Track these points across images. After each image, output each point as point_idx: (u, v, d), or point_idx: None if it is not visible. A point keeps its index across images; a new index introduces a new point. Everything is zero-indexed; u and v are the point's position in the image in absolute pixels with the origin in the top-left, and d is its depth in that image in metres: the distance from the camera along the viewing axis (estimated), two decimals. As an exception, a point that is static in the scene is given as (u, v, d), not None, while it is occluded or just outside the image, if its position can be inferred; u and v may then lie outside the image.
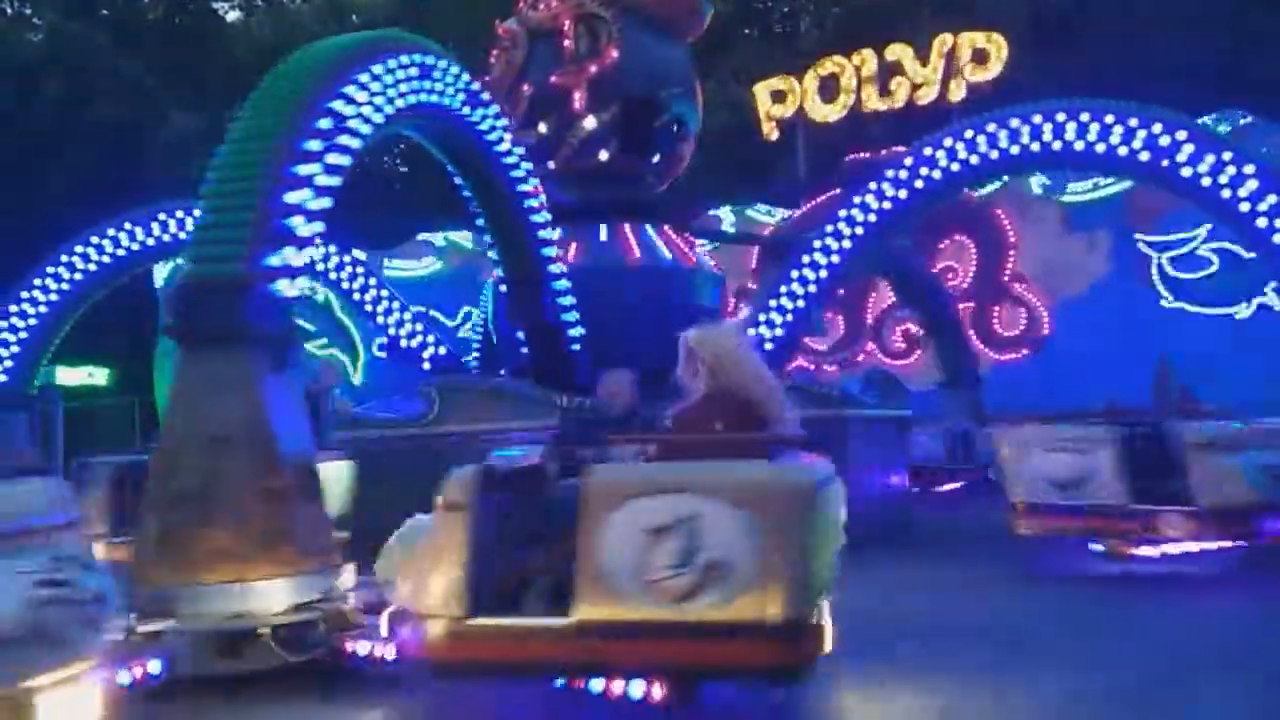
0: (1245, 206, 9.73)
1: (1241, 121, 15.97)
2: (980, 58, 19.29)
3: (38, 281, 11.91)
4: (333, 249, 12.56)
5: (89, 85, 25.85)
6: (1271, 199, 9.54)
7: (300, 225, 6.03)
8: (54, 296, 11.81)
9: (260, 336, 5.71)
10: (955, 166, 10.75)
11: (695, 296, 11.90)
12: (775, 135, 21.14)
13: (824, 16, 29.53)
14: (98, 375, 23.76)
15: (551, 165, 12.09)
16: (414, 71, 7.53)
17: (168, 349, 19.81)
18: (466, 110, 8.62)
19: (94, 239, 11.99)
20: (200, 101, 27.41)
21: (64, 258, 12.04)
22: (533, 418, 9.33)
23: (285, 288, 5.90)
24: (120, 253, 11.83)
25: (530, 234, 10.02)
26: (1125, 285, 16.80)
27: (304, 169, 6.14)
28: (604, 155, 11.79)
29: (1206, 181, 9.77)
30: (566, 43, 11.58)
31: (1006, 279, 17.70)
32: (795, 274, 11.53)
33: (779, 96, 21.05)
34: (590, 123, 11.67)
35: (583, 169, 11.97)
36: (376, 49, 7.22)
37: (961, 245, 18.03)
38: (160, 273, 20.05)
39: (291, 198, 6.03)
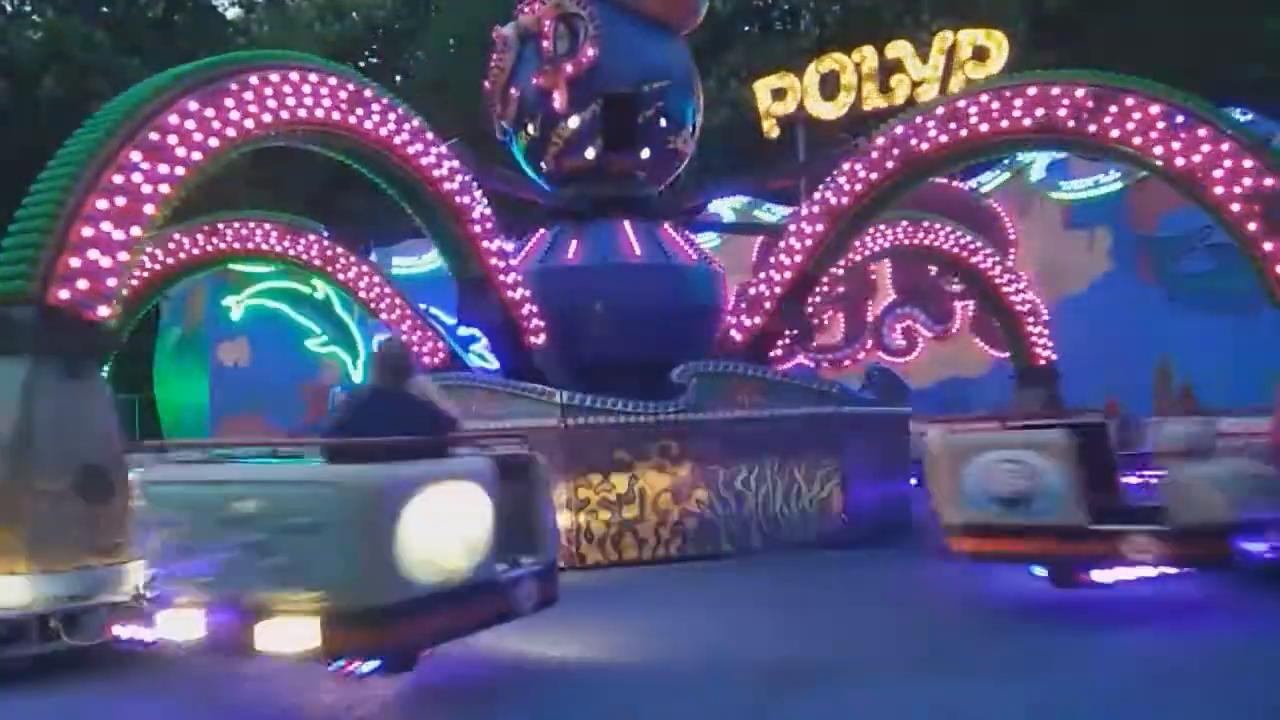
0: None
1: (1241, 119, 15.95)
2: (980, 55, 19.29)
3: None
4: (339, 249, 12.64)
5: (88, 83, 25.80)
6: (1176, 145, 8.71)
7: (99, 252, 6.62)
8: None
9: (49, 349, 6.33)
10: (925, 146, 10.01)
11: (695, 293, 11.90)
12: (775, 133, 21.13)
13: (824, 14, 29.48)
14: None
15: (543, 166, 12.25)
16: (268, 91, 8.07)
17: (169, 347, 19.84)
18: (357, 120, 8.93)
19: (173, 240, 12.13)
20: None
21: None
22: (530, 415, 9.33)
23: (91, 306, 6.54)
24: (170, 261, 12.07)
25: (469, 237, 10.23)
26: (1126, 283, 16.79)
27: (103, 203, 6.72)
28: (590, 154, 11.82)
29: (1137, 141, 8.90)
30: (545, 44, 11.70)
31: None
32: (771, 260, 11.32)
33: (779, 94, 21.04)
34: (574, 122, 11.72)
35: (572, 168, 12.03)
36: (218, 74, 7.79)
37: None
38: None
39: (88, 229, 6.61)
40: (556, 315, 11.15)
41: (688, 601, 7.61)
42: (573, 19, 11.56)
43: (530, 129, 12.08)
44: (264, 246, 12.22)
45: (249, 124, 7.87)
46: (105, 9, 30.50)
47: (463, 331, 14.09)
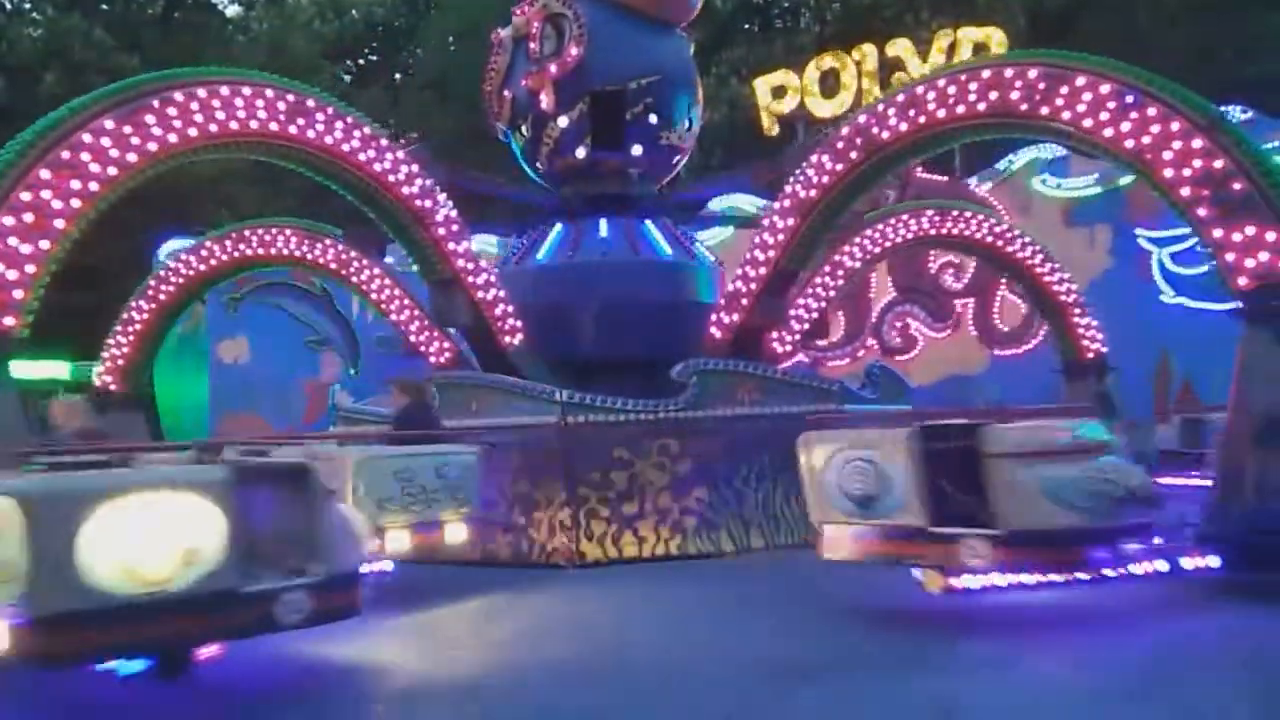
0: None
1: (1241, 117, 15.95)
2: (980, 53, 19.25)
3: (146, 290, 12.89)
4: (353, 252, 12.77)
5: (88, 81, 25.77)
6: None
7: (4, 265, 7.18)
8: (154, 305, 12.77)
9: None
10: (886, 134, 9.62)
11: (695, 290, 11.90)
12: (775, 130, 21.11)
13: (825, 11, 29.49)
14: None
15: (539, 166, 12.30)
16: (194, 106, 8.47)
17: (168, 345, 19.81)
18: (299, 130, 9.15)
19: (206, 246, 12.66)
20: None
21: (163, 270, 12.94)
22: (530, 412, 9.34)
23: None
24: (202, 268, 12.63)
25: (434, 240, 10.32)
26: (1126, 280, 16.78)
27: (9, 219, 7.21)
28: (581, 153, 11.83)
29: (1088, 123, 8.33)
30: (532, 45, 11.75)
31: (1007, 275, 17.67)
32: (746, 256, 11.15)
33: (779, 92, 21.01)
34: (563, 122, 11.74)
35: (565, 168, 12.06)
36: (139, 92, 8.26)
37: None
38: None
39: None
40: (548, 314, 11.20)
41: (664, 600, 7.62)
42: (559, 19, 11.60)
43: (524, 130, 12.15)
44: (285, 251, 12.50)
45: (172, 138, 8.30)
46: (105, 6, 30.47)
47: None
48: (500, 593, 7.83)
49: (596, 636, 6.41)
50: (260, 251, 12.53)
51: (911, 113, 9.52)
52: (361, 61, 39.33)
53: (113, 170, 7.84)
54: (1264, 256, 7.45)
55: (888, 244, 12.41)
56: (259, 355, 18.81)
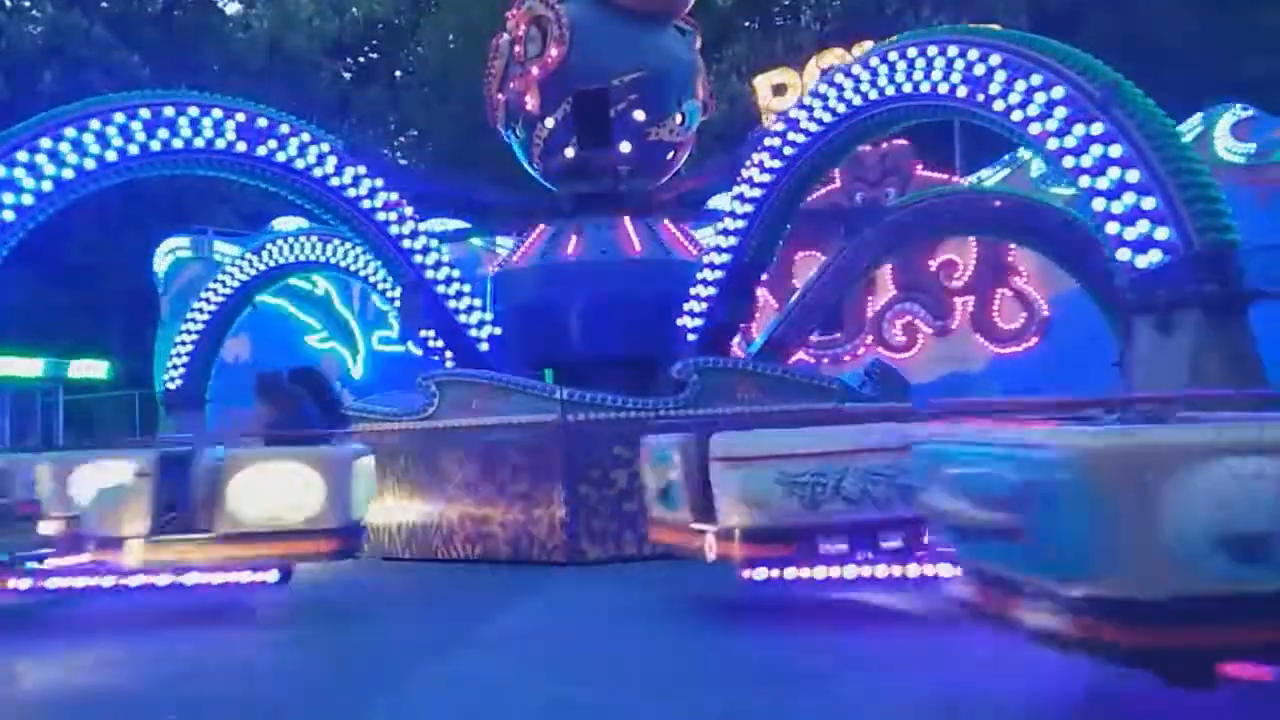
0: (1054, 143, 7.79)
1: (1243, 114, 15.93)
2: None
3: (203, 294, 13.85)
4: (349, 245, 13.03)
5: (87, 78, 25.76)
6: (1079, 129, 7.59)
7: None
8: (211, 310, 13.69)
9: None
10: (814, 126, 9.74)
11: (681, 289, 11.84)
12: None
13: (825, 8, 29.47)
14: (97, 368, 23.75)
15: (536, 166, 12.34)
16: (112, 131, 9.24)
17: (167, 344, 19.81)
18: (246, 147, 9.83)
19: (247, 255, 13.68)
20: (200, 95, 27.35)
21: (221, 274, 13.83)
22: (533, 411, 9.35)
23: None
24: (271, 263, 13.47)
25: (394, 247, 10.68)
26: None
27: None
28: (570, 153, 11.85)
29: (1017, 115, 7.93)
30: (517, 48, 11.81)
31: (1007, 272, 17.67)
32: (706, 255, 11.13)
33: (779, 89, 20.96)
34: (550, 122, 11.78)
35: (558, 167, 12.09)
36: (55, 121, 9.08)
37: (962, 240, 17.98)
38: (160, 265, 20.04)
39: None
40: (534, 315, 11.33)
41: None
42: (543, 20, 11.61)
43: (518, 131, 12.23)
44: (310, 257, 13.31)
45: (110, 156, 9.09)
46: (105, 4, 30.46)
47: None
48: (500, 590, 7.85)
49: (596, 633, 6.40)
50: (290, 259, 13.34)
51: (846, 97, 9.44)
52: (362, 59, 39.29)
53: (28, 199, 8.68)
54: (1150, 243, 7.14)
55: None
56: (260, 353, 18.81)
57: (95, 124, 9.26)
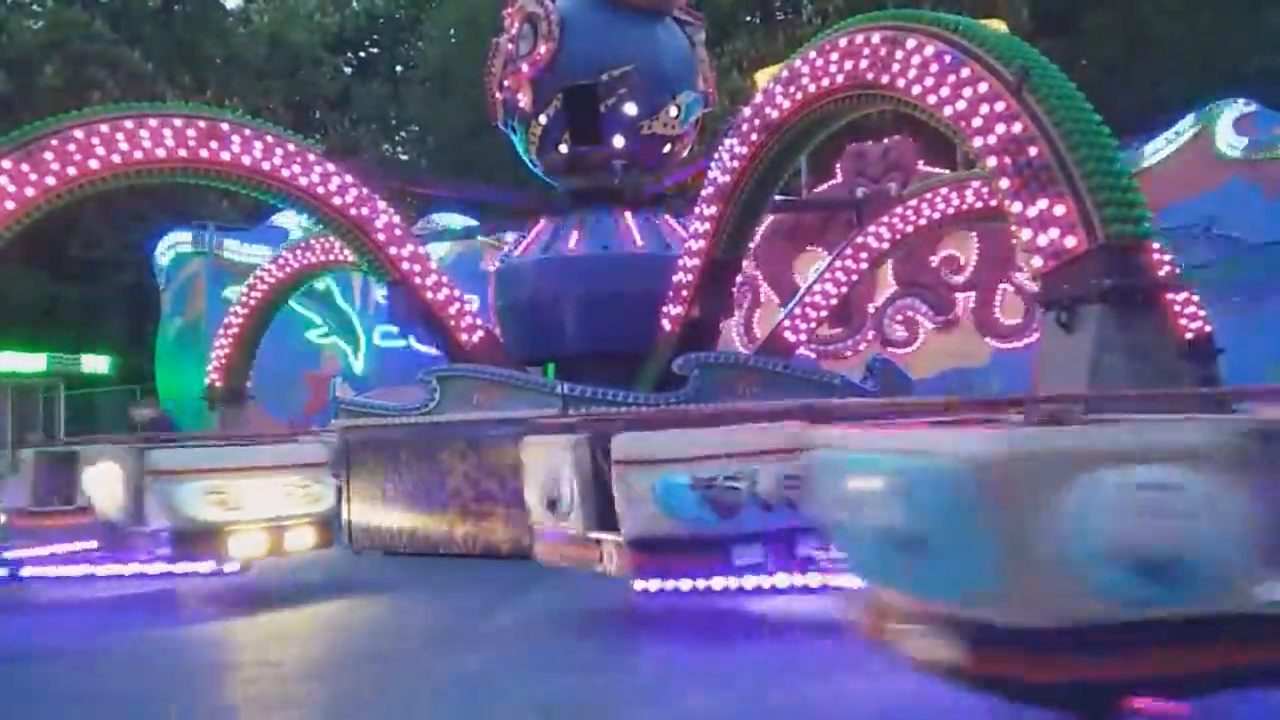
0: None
1: (1245, 109, 15.92)
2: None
3: (240, 295, 14.13)
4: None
5: (88, 73, 25.77)
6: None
7: None
8: (248, 309, 13.92)
9: None
10: (775, 114, 9.46)
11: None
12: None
13: (826, 4, 29.42)
14: (99, 364, 23.77)
15: (535, 162, 12.34)
16: (95, 141, 9.35)
17: (170, 337, 19.84)
18: (211, 153, 9.90)
19: (282, 255, 13.93)
20: (200, 89, 27.35)
21: (257, 274, 14.11)
22: (533, 406, 9.34)
23: None
24: (307, 261, 13.69)
25: (377, 246, 10.75)
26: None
27: None
28: (563, 148, 11.86)
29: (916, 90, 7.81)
30: (510, 46, 11.83)
31: (1008, 267, 17.65)
32: (681, 249, 11.03)
33: (781, 85, 20.97)
34: (543, 119, 11.79)
35: (554, 163, 12.11)
36: (40, 134, 9.24)
37: (964, 235, 17.98)
38: (162, 260, 20.06)
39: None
40: (528, 310, 11.40)
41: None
42: (534, 17, 11.60)
43: (515, 128, 12.27)
44: (329, 258, 13.46)
45: (71, 171, 9.21)
46: (105, -1, 30.46)
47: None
48: (500, 586, 7.84)
49: (595, 630, 6.40)
50: (315, 260, 13.60)
51: (792, 89, 9.31)
52: (363, 54, 39.28)
53: (10, 204, 8.87)
54: (1054, 233, 6.88)
55: (923, 221, 12.23)
56: (260, 348, 18.80)
57: (79, 134, 9.42)
